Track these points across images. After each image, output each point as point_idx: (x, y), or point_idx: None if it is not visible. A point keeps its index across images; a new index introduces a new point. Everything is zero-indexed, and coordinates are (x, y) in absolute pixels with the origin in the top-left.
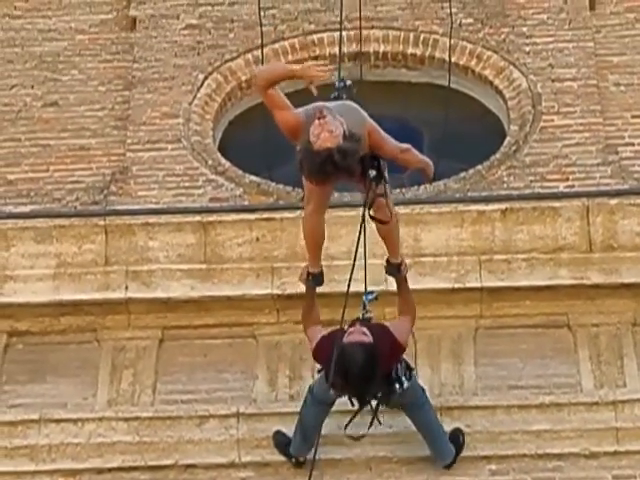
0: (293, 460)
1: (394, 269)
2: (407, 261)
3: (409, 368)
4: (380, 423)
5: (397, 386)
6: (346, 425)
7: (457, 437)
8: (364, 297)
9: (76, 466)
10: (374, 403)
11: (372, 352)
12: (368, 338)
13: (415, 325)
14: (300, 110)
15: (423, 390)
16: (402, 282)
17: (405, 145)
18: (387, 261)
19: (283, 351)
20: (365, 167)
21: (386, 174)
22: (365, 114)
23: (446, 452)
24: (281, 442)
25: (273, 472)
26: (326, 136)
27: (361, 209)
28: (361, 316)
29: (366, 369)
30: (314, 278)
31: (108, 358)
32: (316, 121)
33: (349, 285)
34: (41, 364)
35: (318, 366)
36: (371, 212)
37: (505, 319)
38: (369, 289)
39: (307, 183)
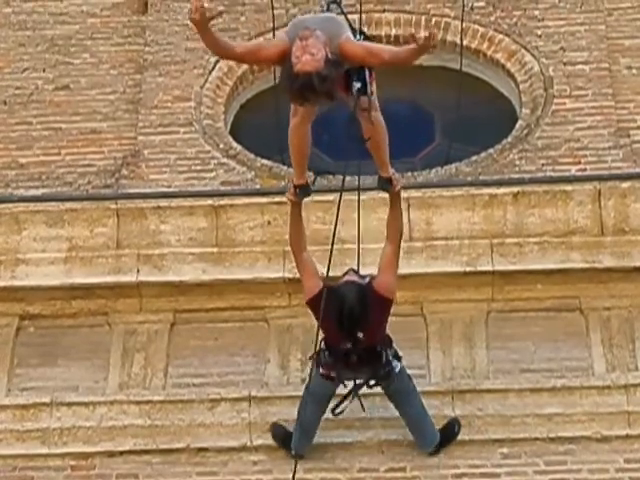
0: (293, 453)
1: (385, 183)
2: (418, 245)
3: (397, 356)
4: (363, 409)
5: (388, 370)
6: (335, 407)
7: (452, 426)
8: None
9: (88, 449)
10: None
11: (365, 291)
12: (361, 280)
13: (427, 309)
14: (282, 33)
15: (410, 377)
16: (394, 198)
17: (397, 48)
18: (378, 176)
19: (295, 334)
20: (350, 80)
21: (373, 87)
22: (347, 29)
23: (430, 439)
24: (279, 435)
25: (284, 455)
26: (307, 59)
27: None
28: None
29: (360, 306)
30: (302, 189)
31: (120, 341)
32: (298, 42)
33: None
34: (53, 347)
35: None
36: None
37: (517, 303)
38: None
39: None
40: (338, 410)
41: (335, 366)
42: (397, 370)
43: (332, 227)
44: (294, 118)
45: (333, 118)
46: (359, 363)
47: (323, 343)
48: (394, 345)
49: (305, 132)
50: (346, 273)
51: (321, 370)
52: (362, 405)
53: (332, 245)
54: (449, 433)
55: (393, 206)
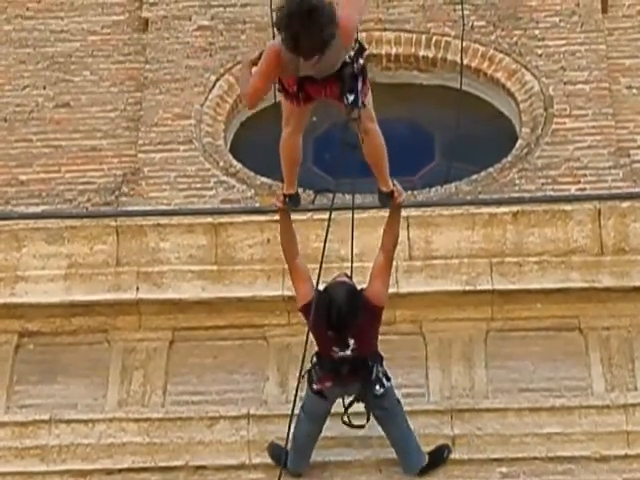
0: (290, 471)
1: (385, 198)
2: (418, 264)
3: (387, 376)
4: (351, 426)
5: (377, 387)
6: (343, 414)
7: (442, 451)
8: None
9: (86, 467)
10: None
11: (354, 292)
12: (350, 281)
13: (426, 327)
14: None
15: (398, 401)
16: (394, 209)
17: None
18: (378, 191)
19: (294, 353)
20: (342, 88)
21: (368, 98)
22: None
23: (415, 462)
24: (276, 454)
25: (283, 474)
26: None
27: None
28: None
29: (348, 305)
30: (291, 199)
31: (119, 359)
32: None
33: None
34: (52, 364)
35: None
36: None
37: (516, 322)
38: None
39: (286, 103)
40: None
41: (326, 379)
42: (387, 386)
43: (332, 245)
44: (286, 128)
45: (334, 137)
46: (349, 376)
47: (315, 358)
48: (384, 365)
49: (296, 142)
50: (338, 276)
51: (313, 386)
52: (368, 416)
53: (322, 260)
54: (437, 457)
55: (392, 216)
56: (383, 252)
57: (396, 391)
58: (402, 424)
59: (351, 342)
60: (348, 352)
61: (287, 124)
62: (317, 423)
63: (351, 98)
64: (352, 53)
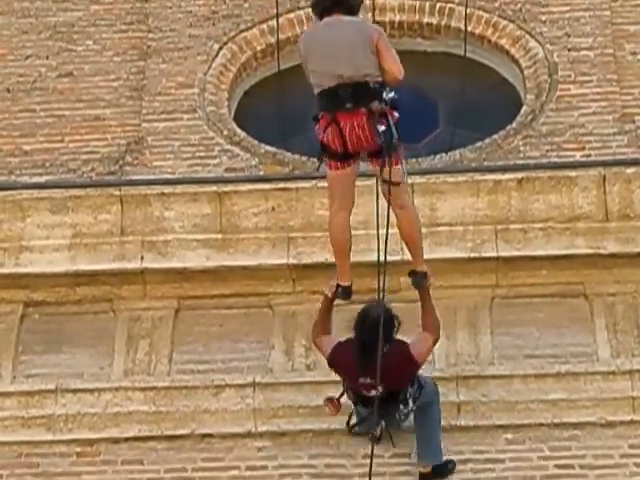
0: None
1: (419, 278)
2: (423, 231)
3: (420, 385)
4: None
5: (402, 406)
6: (353, 425)
7: (445, 465)
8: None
9: (92, 436)
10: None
11: (390, 313)
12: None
13: (431, 294)
14: None
15: (436, 392)
16: (426, 295)
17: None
18: (411, 272)
19: (299, 321)
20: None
21: (403, 174)
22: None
23: (431, 455)
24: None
25: (290, 442)
26: None
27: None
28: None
29: (384, 321)
30: (343, 291)
31: (124, 328)
32: None
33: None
34: (57, 334)
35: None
36: (384, 175)
37: (521, 288)
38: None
39: (329, 177)
40: (356, 429)
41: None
42: (409, 408)
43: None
44: (331, 207)
45: None
46: (379, 407)
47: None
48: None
49: (343, 221)
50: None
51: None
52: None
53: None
54: (443, 468)
55: (428, 304)
56: (430, 334)
57: None
58: (430, 422)
59: (380, 388)
60: (377, 393)
61: (332, 201)
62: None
63: (382, 128)
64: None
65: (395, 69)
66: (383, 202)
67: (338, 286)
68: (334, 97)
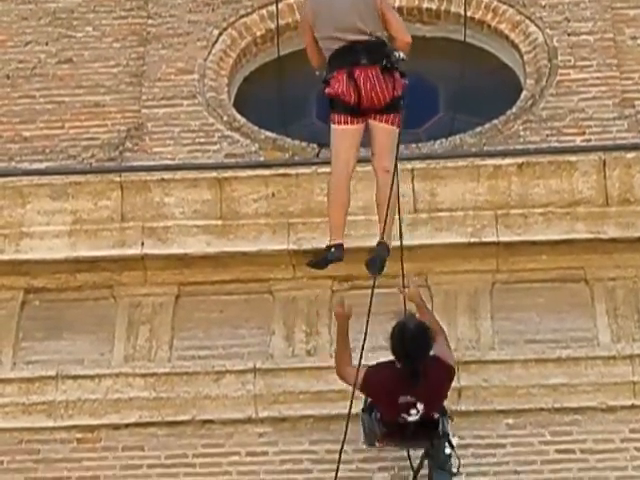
0: None
1: (380, 250)
2: (423, 216)
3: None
4: None
5: (447, 449)
6: None
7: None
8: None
9: (93, 422)
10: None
11: (425, 325)
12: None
13: (431, 280)
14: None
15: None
16: (419, 301)
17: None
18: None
19: (299, 306)
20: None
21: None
22: None
23: None
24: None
25: (290, 427)
26: None
27: None
28: None
29: (420, 332)
30: (336, 250)
31: (124, 314)
32: None
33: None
34: (58, 321)
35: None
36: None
37: (522, 273)
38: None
39: (334, 135)
40: None
41: (389, 437)
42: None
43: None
44: (335, 166)
45: None
46: (415, 434)
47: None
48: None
49: (345, 183)
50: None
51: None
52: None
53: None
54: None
55: (421, 308)
56: (439, 335)
57: None
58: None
59: (420, 407)
60: (416, 417)
61: (335, 160)
62: None
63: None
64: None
65: (403, 34)
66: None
67: (328, 248)
68: (349, 54)
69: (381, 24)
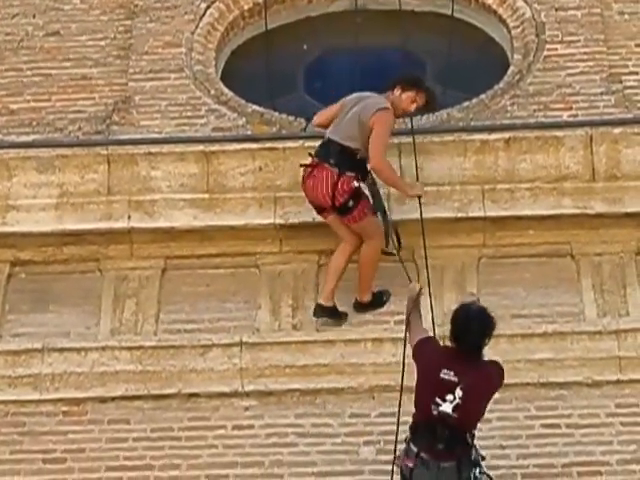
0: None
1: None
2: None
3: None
4: None
5: (476, 471)
6: None
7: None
8: None
9: (79, 395)
10: None
11: (488, 313)
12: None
13: (418, 255)
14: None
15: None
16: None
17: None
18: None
19: (286, 280)
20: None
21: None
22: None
23: None
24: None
25: (276, 401)
26: None
27: None
28: None
29: (483, 313)
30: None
31: (111, 288)
32: None
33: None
34: (44, 293)
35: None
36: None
37: (508, 248)
38: None
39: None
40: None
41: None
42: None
43: None
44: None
45: (328, 63)
46: (446, 452)
47: (410, 433)
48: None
49: (339, 256)
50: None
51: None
52: None
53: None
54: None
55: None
56: None
57: (389, 318)
58: None
59: (458, 395)
60: (450, 409)
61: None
62: None
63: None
64: None
65: (371, 158)
66: None
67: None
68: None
69: (365, 139)
